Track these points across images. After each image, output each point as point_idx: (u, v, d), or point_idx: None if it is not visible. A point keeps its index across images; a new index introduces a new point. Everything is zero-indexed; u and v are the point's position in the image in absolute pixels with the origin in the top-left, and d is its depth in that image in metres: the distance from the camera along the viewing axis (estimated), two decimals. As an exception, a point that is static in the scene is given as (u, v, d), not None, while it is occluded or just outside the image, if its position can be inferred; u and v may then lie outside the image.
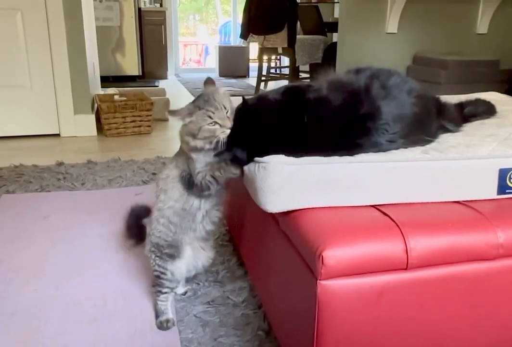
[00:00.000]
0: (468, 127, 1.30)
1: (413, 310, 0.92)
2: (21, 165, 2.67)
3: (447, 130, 1.24)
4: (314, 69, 4.95)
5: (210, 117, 1.13)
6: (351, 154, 1.03)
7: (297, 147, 1.02)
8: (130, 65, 6.10)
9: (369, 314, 0.89)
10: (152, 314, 1.41)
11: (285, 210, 0.99)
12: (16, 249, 1.78)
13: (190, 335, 1.33)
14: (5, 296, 1.50)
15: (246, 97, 1.14)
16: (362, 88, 1.09)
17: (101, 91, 4.17)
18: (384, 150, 1.07)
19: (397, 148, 1.08)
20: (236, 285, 1.56)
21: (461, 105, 1.40)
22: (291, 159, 0.97)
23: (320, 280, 0.86)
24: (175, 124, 4.01)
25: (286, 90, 1.11)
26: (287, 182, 0.96)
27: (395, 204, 1.00)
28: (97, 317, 1.40)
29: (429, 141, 1.15)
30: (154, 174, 2.58)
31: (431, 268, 0.90)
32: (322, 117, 1.04)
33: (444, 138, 1.17)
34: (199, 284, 1.57)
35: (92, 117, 3.44)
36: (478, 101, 1.47)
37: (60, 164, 2.71)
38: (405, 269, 0.89)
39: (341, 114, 1.05)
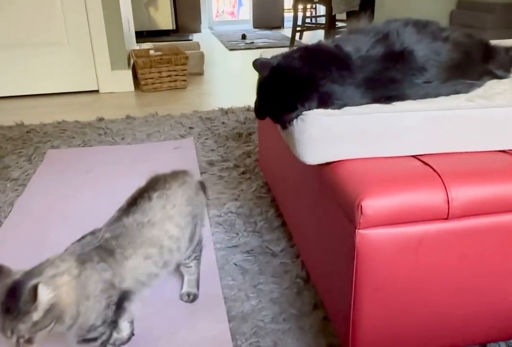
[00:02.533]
0: (517, 73, 1.23)
1: (453, 260, 0.90)
2: (63, 121, 2.72)
3: (495, 76, 1.17)
4: (352, 17, 4.74)
5: None
6: (390, 95, 1.00)
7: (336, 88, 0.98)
8: (164, 19, 6.00)
9: (408, 263, 0.89)
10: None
11: (324, 162, 0.97)
12: (63, 202, 1.85)
13: (230, 282, 1.36)
14: (56, 245, 1.57)
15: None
16: (393, 31, 1.04)
17: (136, 47, 4.14)
18: (423, 95, 1.02)
19: (437, 92, 1.03)
20: (274, 235, 1.59)
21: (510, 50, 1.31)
22: (329, 110, 0.95)
23: (358, 229, 0.85)
24: (210, 79, 3.99)
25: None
26: (326, 133, 0.94)
27: (437, 153, 0.97)
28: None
29: (471, 85, 1.09)
30: (191, 128, 2.58)
31: (473, 218, 0.88)
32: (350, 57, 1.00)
33: (490, 85, 1.11)
34: (238, 234, 1.59)
35: (129, 72, 3.44)
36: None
37: (100, 120, 2.74)
38: (446, 219, 0.87)
39: (373, 53, 1.01)
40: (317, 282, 1.23)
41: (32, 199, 1.86)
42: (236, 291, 1.32)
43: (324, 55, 1.00)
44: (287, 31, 5.96)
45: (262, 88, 0.98)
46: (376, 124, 0.95)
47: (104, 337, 0.98)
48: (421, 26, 1.09)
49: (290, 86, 0.94)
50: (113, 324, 0.99)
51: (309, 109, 0.94)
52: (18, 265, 1.45)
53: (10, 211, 1.76)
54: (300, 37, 5.49)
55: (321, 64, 0.97)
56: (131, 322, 1.15)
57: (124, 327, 1.13)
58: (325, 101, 0.95)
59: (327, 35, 4.51)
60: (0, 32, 3.16)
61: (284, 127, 0.98)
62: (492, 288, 0.96)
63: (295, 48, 1.05)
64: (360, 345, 0.96)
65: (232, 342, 1.14)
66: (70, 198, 1.87)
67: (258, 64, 1.00)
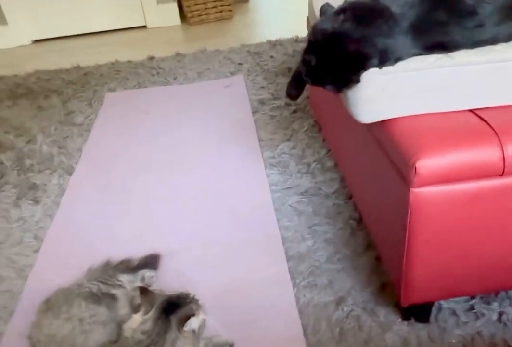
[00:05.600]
0: None
1: (507, 213, 0.91)
2: (116, 61, 2.73)
3: None
4: None
5: None
6: (441, 41, 0.95)
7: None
8: None
9: (461, 217, 0.90)
10: (250, 202, 1.52)
11: (378, 120, 0.96)
12: (126, 144, 1.93)
13: (287, 223, 1.43)
14: (122, 185, 1.68)
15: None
16: None
17: (179, -25, 3.98)
18: (478, 41, 0.96)
19: (492, 36, 0.96)
20: (326, 176, 1.61)
21: None
22: (384, 69, 0.92)
23: (412, 188, 0.87)
24: (255, 6, 3.82)
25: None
26: (381, 92, 0.92)
27: (495, 107, 0.93)
28: (199, 208, 1.53)
29: None
30: (240, 64, 2.54)
31: (528, 174, 0.87)
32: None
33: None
34: (291, 175, 1.63)
35: (175, 5, 3.35)
36: None
37: (152, 58, 2.74)
38: (501, 175, 0.86)
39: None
40: (370, 225, 1.27)
41: (98, 144, 1.96)
42: (293, 232, 1.39)
43: (367, 11, 0.95)
44: None
45: (324, 56, 0.95)
46: (432, 80, 0.92)
47: None
48: None
49: (352, 50, 0.92)
50: None
51: (371, 67, 0.92)
52: (95, 208, 1.57)
53: (80, 156, 1.87)
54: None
55: (369, 22, 0.93)
56: None
57: None
58: (383, 58, 0.92)
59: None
60: (47, -29, 3.12)
61: (340, 91, 0.97)
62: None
63: (338, 8, 1.00)
64: (411, 287, 1.01)
65: (291, 281, 1.23)
66: (132, 140, 1.95)
67: (317, 33, 0.97)
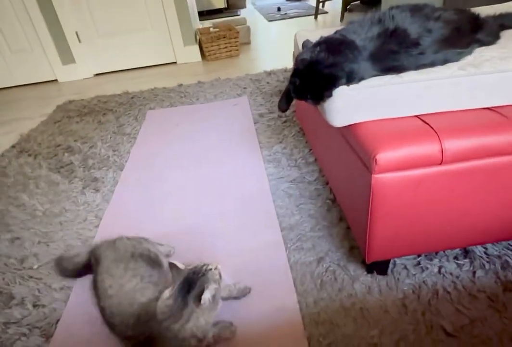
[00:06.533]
0: (502, 39, 1.07)
1: (444, 192, 0.87)
2: (155, 88, 2.69)
3: (483, 43, 1.03)
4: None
5: None
6: (393, 65, 0.91)
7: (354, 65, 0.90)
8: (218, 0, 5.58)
9: (410, 196, 0.86)
10: (253, 188, 1.48)
11: (347, 124, 0.92)
12: (162, 147, 1.89)
13: (280, 203, 1.39)
14: (160, 178, 1.64)
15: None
16: (388, 16, 0.93)
17: (200, 24, 3.92)
18: (420, 65, 0.92)
19: (430, 61, 0.92)
20: (309, 168, 1.57)
21: (500, 17, 1.13)
22: (351, 86, 0.88)
23: (373, 174, 0.83)
24: (255, 46, 3.76)
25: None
26: (348, 103, 0.88)
27: (435, 113, 0.90)
28: (216, 193, 1.49)
29: (460, 53, 0.96)
30: (245, 88, 2.49)
31: (460, 163, 0.83)
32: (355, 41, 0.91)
33: (479, 52, 0.98)
34: (283, 168, 1.59)
35: (197, 47, 3.30)
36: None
37: (180, 85, 2.69)
38: (440, 164, 0.83)
39: (370, 34, 0.93)
40: (341, 203, 1.23)
41: (142, 147, 1.92)
42: (285, 209, 1.35)
43: (337, 44, 0.91)
44: (312, 1, 5.41)
45: (305, 78, 0.91)
46: (387, 94, 0.88)
47: None
48: (416, 10, 0.96)
49: (325, 73, 0.87)
50: None
51: (341, 85, 0.88)
52: (140, 195, 1.54)
53: (128, 157, 1.84)
54: (323, 6, 4.98)
55: (339, 52, 0.89)
56: None
57: None
58: (350, 78, 0.88)
59: (344, 3, 4.05)
60: (107, 25, 3.07)
61: (318, 103, 0.93)
62: (472, 209, 0.93)
63: (315, 42, 0.96)
64: (373, 249, 0.98)
65: (284, 245, 1.20)
66: (167, 145, 1.91)
67: (299, 61, 0.92)
